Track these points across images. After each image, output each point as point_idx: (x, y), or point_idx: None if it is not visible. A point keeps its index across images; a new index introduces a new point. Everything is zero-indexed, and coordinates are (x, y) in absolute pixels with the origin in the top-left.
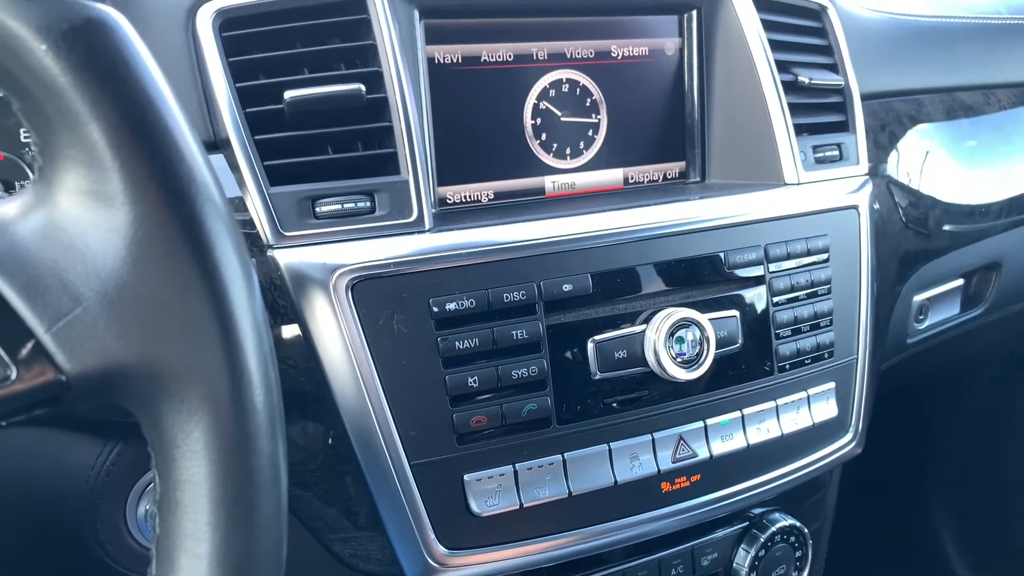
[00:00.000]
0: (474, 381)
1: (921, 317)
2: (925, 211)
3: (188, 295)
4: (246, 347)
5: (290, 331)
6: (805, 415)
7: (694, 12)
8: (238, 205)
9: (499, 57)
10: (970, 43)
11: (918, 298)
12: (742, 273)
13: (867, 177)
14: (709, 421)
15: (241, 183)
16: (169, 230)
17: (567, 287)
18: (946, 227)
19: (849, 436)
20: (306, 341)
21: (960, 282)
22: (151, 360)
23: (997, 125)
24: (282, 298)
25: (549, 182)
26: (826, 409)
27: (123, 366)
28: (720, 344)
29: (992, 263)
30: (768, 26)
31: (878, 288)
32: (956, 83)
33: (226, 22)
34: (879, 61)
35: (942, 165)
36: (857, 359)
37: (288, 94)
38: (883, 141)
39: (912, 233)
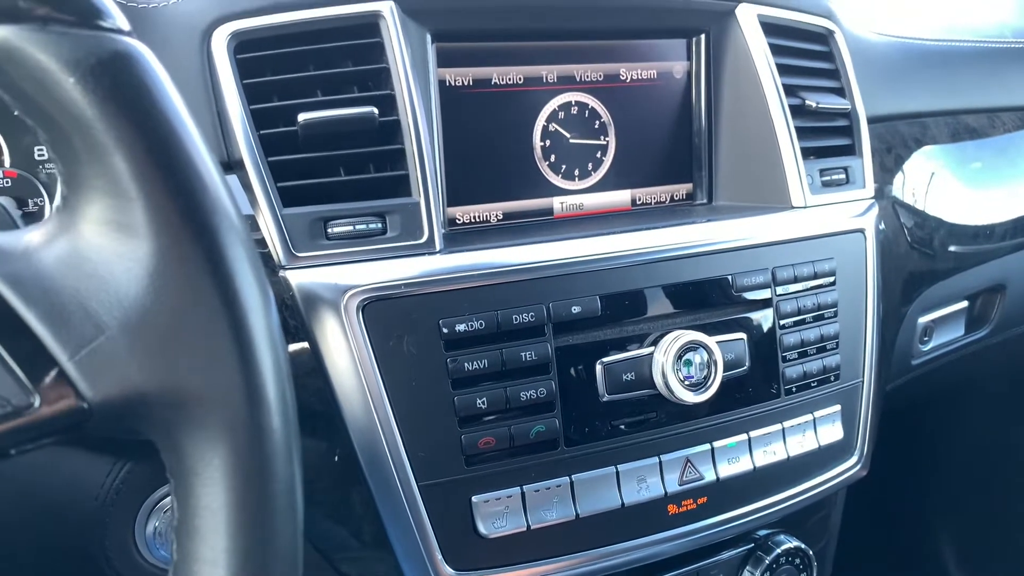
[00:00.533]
0: (483, 402)
1: (926, 339)
2: (930, 233)
3: (209, 325)
4: (265, 375)
5: (301, 350)
6: (811, 438)
7: (703, 36)
8: (250, 225)
9: (509, 80)
10: (975, 67)
11: (923, 320)
12: (749, 296)
13: (873, 200)
14: (716, 444)
15: (254, 203)
16: (191, 261)
17: (576, 309)
18: (951, 248)
19: (855, 459)
20: (316, 361)
21: (964, 304)
22: (172, 388)
23: (1002, 148)
24: (293, 318)
25: (557, 203)
26: (832, 432)
27: (144, 394)
28: (727, 367)
29: (996, 285)
30: (776, 50)
31: (884, 310)
32: (961, 106)
33: (241, 44)
34: (885, 84)
35: (947, 187)
36: (863, 382)
37: (302, 116)
38: (889, 164)
39: (917, 255)
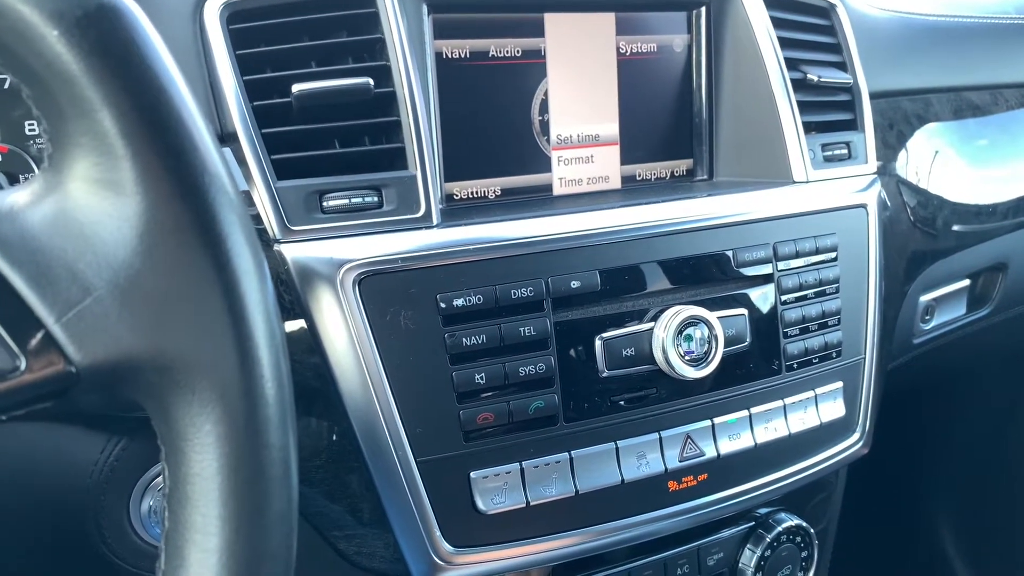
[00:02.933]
0: (481, 378)
1: (927, 317)
2: (933, 211)
3: (200, 286)
4: (258, 339)
5: (296, 326)
6: (812, 415)
7: (703, 9)
8: (244, 199)
9: (507, 53)
10: (979, 43)
11: (924, 298)
12: (750, 271)
13: (876, 176)
14: (716, 420)
15: (248, 177)
16: (181, 220)
17: (575, 284)
18: (953, 226)
19: (856, 436)
20: (312, 336)
21: (966, 283)
22: (162, 351)
23: (1005, 125)
24: (288, 293)
25: (556, 179)
26: (833, 409)
27: (133, 357)
28: (728, 342)
29: (998, 264)
30: (777, 23)
31: (885, 287)
32: (964, 83)
33: (234, 15)
34: (888, 60)
35: (950, 165)
36: (865, 359)
37: (296, 87)
38: (891, 140)
39: (920, 232)
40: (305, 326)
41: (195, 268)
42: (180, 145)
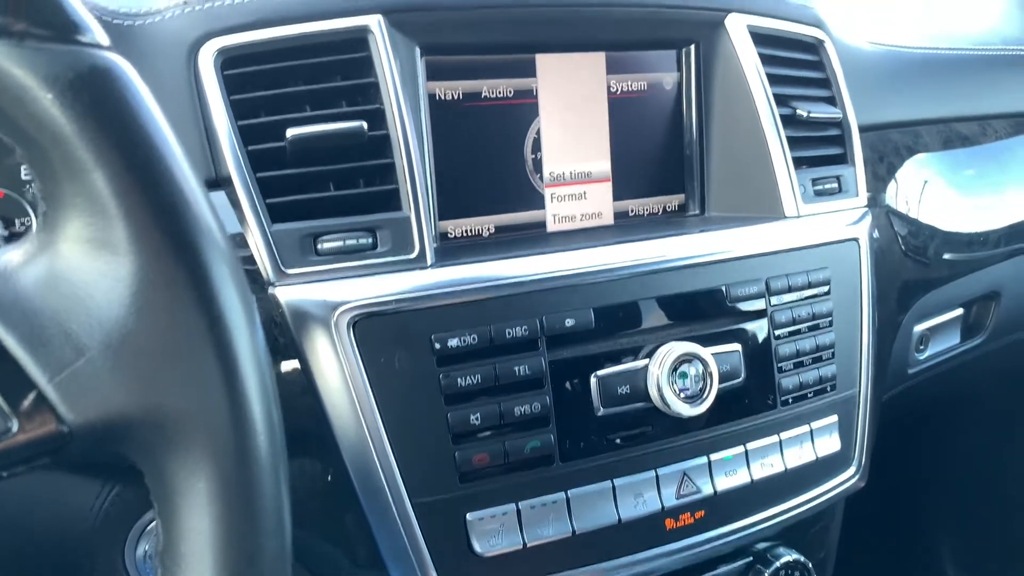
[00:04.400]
0: (476, 418)
1: (922, 347)
2: (924, 241)
3: (193, 345)
4: (250, 396)
5: (290, 368)
6: (808, 450)
7: (692, 47)
8: (239, 242)
9: (499, 93)
10: (965, 74)
11: (918, 328)
12: (744, 307)
13: (867, 209)
14: (713, 456)
15: (242, 220)
16: (173, 279)
17: (569, 322)
18: (946, 256)
19: (852, 470)
20: (307, 378)
21: (960, 312)
22: (155, 410)
23: (994, 155)
24: (283, 335)
25: (550, 216)
26: (829, 443)
27: (126, 417)
28: (723, 378)
29: (991, 292)
30: (766, 60)
31: (879, 319)
32: (953, 114)
33: (228, 60)
34: (876, 93)
35: (940, 195)
36: (859, 391)
37: (290, 132)
38: (881, 172)
39: (912, 263)
40: (300, 368)
41: (187, 326)
42: (172, 204)
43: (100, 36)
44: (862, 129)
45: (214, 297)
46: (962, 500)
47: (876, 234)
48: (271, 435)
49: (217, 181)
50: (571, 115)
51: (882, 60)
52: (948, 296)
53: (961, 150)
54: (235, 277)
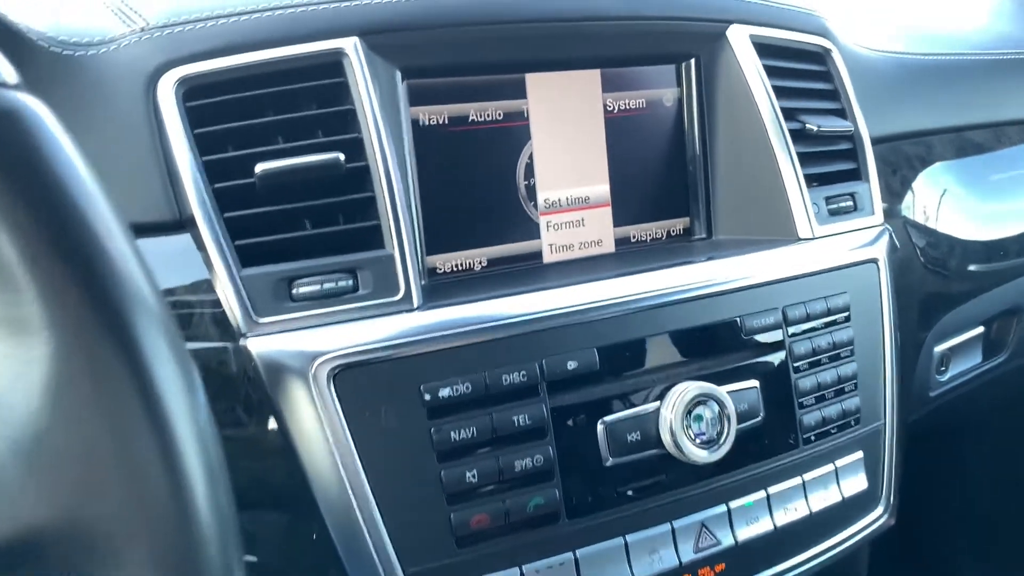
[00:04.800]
0: (473, 475)
1: (943, 369)
2: (945, 256)
3: (124, 440)
4: (197, 496)
5: (266, 427)
6: (834, 491)
7: (692, 61)
8: (206, 288)
9: (488, 116)
10: (976, 80)
11: (939, 348)
12: (760, 339)
13: (884, 227)
14: (732, 504)
15: (209, 265)
16: (95, 361)
17: (572, 364)
18: (968, 270)
19: (880, 509)
20: (284, 437)
21: (981, 330)
22: (78, 522)
23: (1011, 163)
24: (256, 391)
25: (546, 245)
26: (855, 483)
27: (42, 532)
28: (741, 418)
29: (1013, 308)
30: (771, 72)
31: (901, 344)
32: (965, 122)
33: (190, 91)
34: (886, 103)
35: (958, 207)
36: (885, 424)
37: (260, 167)
38: (895, 186)
39: (933, 281)
40: (276, 426)
41: (115, 417)
42: (91, 268)
43: (7, 74)
44: (873, 141)
45: (146, 379)
46: (994, 526)
47: (894, 253)
48: (223, 538)
49: (181, 223)
50: (565, 137)
51: (889, 68)
52: (969, 314)
53: (975, 159)
54: (172, 349)
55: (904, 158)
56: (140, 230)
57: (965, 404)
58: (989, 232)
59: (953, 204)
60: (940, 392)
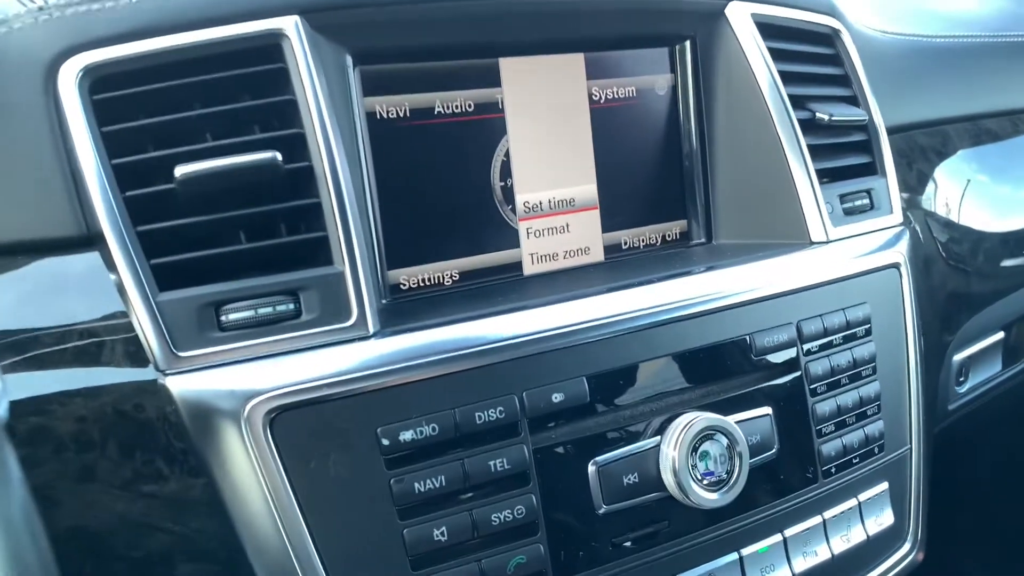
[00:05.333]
0: (442, 534)
1: (962, 379)
2: (969, 257)
3: None
4: None
5: (190, 483)
6: (857, 530)
7: (687, 43)
8: (118, 316)
9: (457, 108)
10: (991, 64)
11: (958, 358)
12: (772, 359)
13: (903, 227)
14: (745, 551)
15: (121, 289)
16: None
17: (557, 397)
18: (997, 269)
19: (908, 545)
20: (212, 494)
21: (1000, 335)
22: None
23: None
24: (178, 439)
25: (526, 255)
26: (880, 519)
27: None
28: (753, 452)
29: None
30: (776, 55)
31: (924, 355)
32: (981, 110)
33: (97, 81)
34: (899, 90)
35: (981, 203)
36: (911, 449)
37: (180, 170)
38: (912, 181)
39: (956, 281)
40: (202, 482)
41: None
42: None
43: None
44: (888, 132)
45: None
46: (1005, 541)
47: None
48: None
49: (89, 238)
50: (546, 131)
51: (901, 51)
52: (990, 318)
53: (993, 147)
54: None
55: (919, 151)
56: (41, 248)
57: (978, 415)
58: (1015, 223)
59: (974, 203)
60: (959, 404)
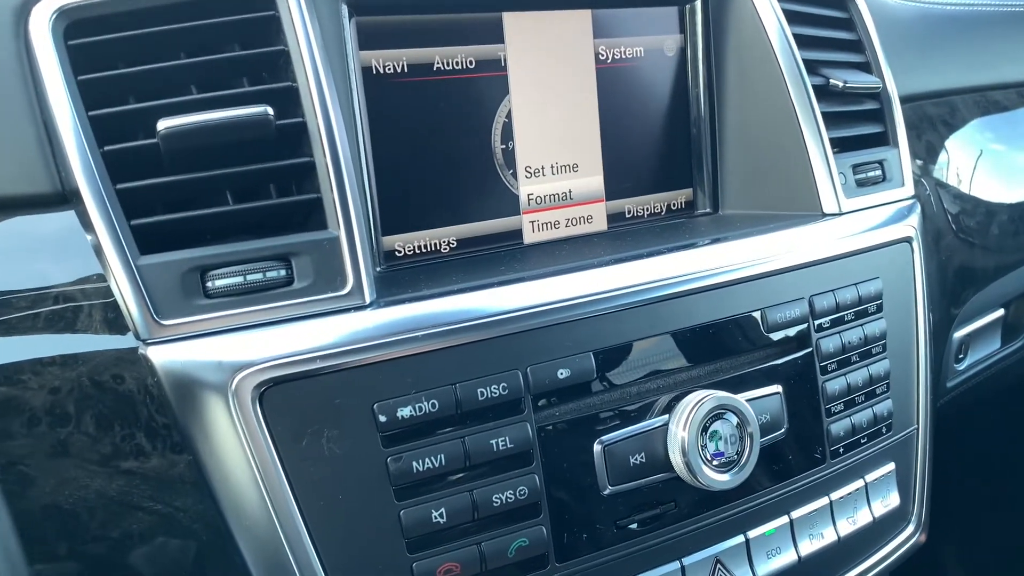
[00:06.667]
0: (440, 515)
1: (961, 356)
2: (980, 231)
3: None
4: None
5: (173, 460)
6: (864, 512)
7: (698, 2)
8: (95, 280)
9: (457, 64)
10: (1002, 34)
11: (958, 335)
12: (783, 335)
13: (915, 200)
14: (751, 534)
15: (99, 251)
16: None
17: (563, 373)
18: (1006, 243)
19: (912, 527)
20: (197, 472)
21: (1000, 312)
22: None
23: None
24: (161, 412)
25: (527, 222)
26: (887, 501)
27: None
28: (762, 432)
29: None
30: (790, 17)
31: (933, 332)
32: (991, 81)
33: (73, 26)
34: (910, 58)
35: (991, 176)
36: (918, 429)
37: (163, 124)
38: (920, 152)
39: (965, 255)
40: (187, 459)
41: None
42: None
43: None
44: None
45: None
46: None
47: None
48: None
49: (64, 196)
50: (550, 91)
51: (912, 18)
52: (991, 295)
53: (1001, 122)
54: None
55: (928, 122)
56: (11, 205)
57: (972, 394)
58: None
59: (987, 168)
60: (957, 382)
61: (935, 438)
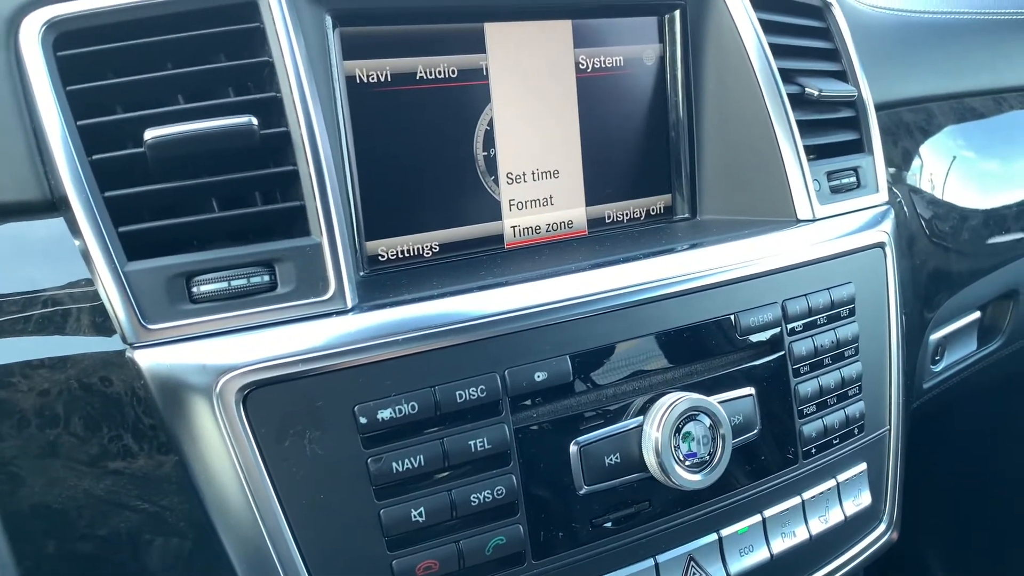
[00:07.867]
0: (419, 514)
1: (937, 358)
2: (953, 236)
3: None
4: None
5: (159, 461)
6: (835, 511)
7: (677, 12)
8: (83, 285)
9: (440, 73)
10: (979, 42)
11: (934, 337)
12: (757, 339)
13: (888, 206)
14: (724, 532)
15: (87, 257)
16: None
17: (540, 376)
18: (979, 248)
19: (883, 526)
20: (183, 473)
21: (976, 315)
22: None
23: (1012, 134)
24: (147, 415)
25: (508, 227)
26: (858, 500)
27: None
28: (735, 433)
29: (1010, 291)
30: (767, 27)
31: (906, 336)
32: (968, 88)
33: (63, 37)
34: (887, 66)
35: (966, 182)
36: (890, 431)
37: (150, 133)
38: (896, 159)
39: (939, 259)
40: (173, 459)
41: None
42: None
43: None
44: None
45: None
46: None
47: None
48: None
49: (53, 203)
50: (531, 100)
51: (889, 26)
52: (966, 298)
53: (976, 129)
54: None
55: (904, 128)
56: (2, 212)
57: (947, 395)
58: (998, 210)
59: (959, 182)
60: (933, 383)
61: (909, 439)
